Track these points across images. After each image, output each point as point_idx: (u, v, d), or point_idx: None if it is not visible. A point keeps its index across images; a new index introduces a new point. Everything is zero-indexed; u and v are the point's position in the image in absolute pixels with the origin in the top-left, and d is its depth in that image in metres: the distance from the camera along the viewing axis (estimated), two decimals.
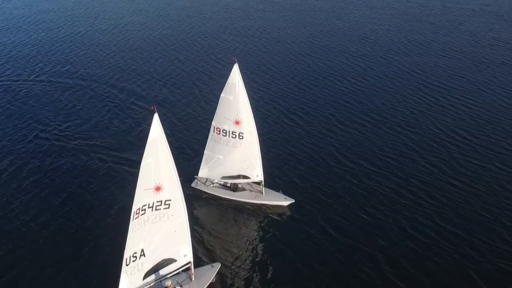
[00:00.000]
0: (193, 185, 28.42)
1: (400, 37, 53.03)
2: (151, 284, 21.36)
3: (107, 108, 37.87)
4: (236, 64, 24.74)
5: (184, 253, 21.70)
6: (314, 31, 55.17)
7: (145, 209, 20.48)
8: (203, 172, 28.34)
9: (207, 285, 22.10)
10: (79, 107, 37.92)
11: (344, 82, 41.40)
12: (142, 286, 21.00)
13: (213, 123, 27.21)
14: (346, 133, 33.53)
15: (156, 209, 20.54)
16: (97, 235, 25.64)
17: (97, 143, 32.97)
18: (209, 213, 26.95)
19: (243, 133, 26.60)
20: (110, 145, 32.61)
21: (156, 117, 19.61)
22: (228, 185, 28.52)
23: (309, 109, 36.42)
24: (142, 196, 20.17)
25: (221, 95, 26.33)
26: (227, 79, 25.21)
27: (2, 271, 23.63)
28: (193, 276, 22.13)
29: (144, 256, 20.86)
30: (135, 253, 20.62)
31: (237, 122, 26.34)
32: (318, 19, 60.22)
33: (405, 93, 39.15)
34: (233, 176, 27.90)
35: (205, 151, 28.07)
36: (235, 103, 25.85)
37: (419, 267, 21.98)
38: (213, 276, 22.53)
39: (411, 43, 51.08)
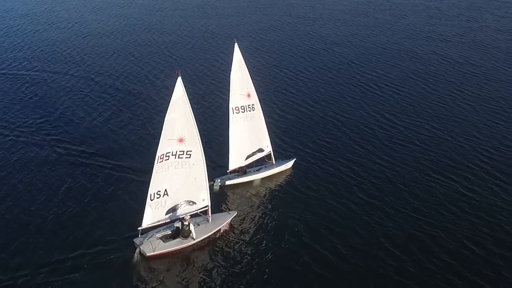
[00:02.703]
0: (215, 185, 27.67)
1: (345, 31, 55.79)
2: (172, 219, 23.76)
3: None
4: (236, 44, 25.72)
5: (202, 198, 24.16)
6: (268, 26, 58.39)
7: (168, 156, 22.97)
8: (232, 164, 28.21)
9: (221, 226, 24.23)
10: (37, 98, 39.20)
11: (287, 73, 44.07)
12: (164, 219, 23.59)
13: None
14: (284, 119, 35.91)
15: (179, 157, 23.16)
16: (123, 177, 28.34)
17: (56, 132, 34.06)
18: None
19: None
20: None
21: (179, 79, 22.32)
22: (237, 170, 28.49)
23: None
24: (165, 144, 22.70)
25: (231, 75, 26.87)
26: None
27: (30, 209, 25.61)
28: (209, 217, 24.35)
29: (167, 195, 23.44)
30: (159, 191, 23.19)
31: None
32: (272, 15, 63.17)
33: (341, 81, 41.88)
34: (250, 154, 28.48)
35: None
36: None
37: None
38: (229, 221, 24.59)
39: (354, 37, 53.92)
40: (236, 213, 25.31)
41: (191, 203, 24.21)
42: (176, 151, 23.22)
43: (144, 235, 23.03)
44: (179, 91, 22.74)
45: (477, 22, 60.03)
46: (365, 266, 22.19)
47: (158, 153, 22.88)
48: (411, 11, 64.87)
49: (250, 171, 28.79)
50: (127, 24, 59.69)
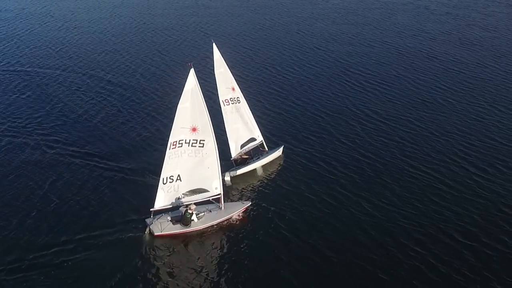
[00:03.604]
0: (226, 178, 28.35)
1: (335, 30, 56.77)
2: (183, 204, 24.48)
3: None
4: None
5: (215, 186, 24.78)
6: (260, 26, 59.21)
7: (182, 143, 23.71)
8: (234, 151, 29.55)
9: (232, 214, 24.78)
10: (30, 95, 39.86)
11: (278, 69, 44.92)
12: (176, 203, 24.46)
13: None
14: (276, 116, 36.80)
15: (192, 145, 23.85)
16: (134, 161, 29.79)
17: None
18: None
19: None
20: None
21: (192, 71, 23.19)
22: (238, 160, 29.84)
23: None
24: (178, 132, 23.46)
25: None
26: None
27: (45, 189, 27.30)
28: (222, 205, 24.99)
29: (181, 180, 24.20)
30: (172, 176, 24.02)
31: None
32: (261, 14, 64.02)
33: (327, 78, 42.75)
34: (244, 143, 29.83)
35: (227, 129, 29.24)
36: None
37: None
38: (241, 210, 25.08)
39: (344, 35, 54.77)
40: (250, 203, 25.80)
41: (204, 190, 24.97)
42: (190, 140, 24.03)
43: (155, 216, 24.23)
44: (192, 82, 23.53)
45: (464, 20, 61.20)
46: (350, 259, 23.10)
47: (171, 140, 23.73)
48: (401, 10, 65.93)
49: (251, 160, 30.05)
50: (125, 23, 60.33)
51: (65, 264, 22.16)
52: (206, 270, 22.34)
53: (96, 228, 24.31)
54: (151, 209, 24.29)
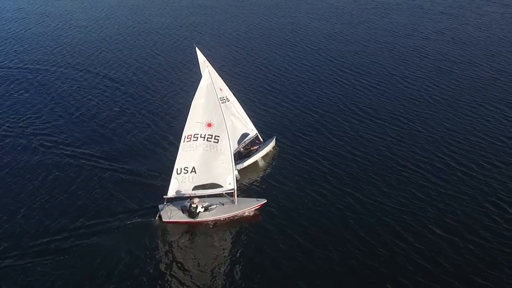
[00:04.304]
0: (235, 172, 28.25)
1: (329, 29, 57.20)
2: (194, 196, 25.04)
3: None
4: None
5: (229, 182, 25.16)
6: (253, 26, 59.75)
7: (197, 137, 24.34)
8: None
9: (245, 210, 25.14)
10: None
11: (270, 68, 45.33)
12: (189, 194, 25.15)
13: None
14: (267, 114, 37.25)
15: (207, 140, 24.44)
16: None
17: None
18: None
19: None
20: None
21: (207, 69, 24.05)
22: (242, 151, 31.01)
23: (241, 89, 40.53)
24: (193, 126, 24.12)
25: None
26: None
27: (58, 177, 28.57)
28: (235, 200, 25.38)
29: (195, 173, 24.86)
30: (186, 167, 24.71)
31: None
32: (255, 14, 64.45)
33: (320, 76, 43.18)
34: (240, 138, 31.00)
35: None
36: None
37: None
38: (256, 206, 25.35)
39: (338, 34, 55.15)
40: (265, 201, 25.80)
41: (218, 186, 25.45)
42: (205, 134, 24.62)
43: (167, 203, 25.25)
44: (207, 79, 24.12)
45: (458, 19, 61.61)
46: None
47: (185, 133, 24.37)
48: (395, 9, 66.34)
49: (252, 153, 30.86)
50: (119, 23, 60.77)
51: (77, 247, 23.36)
52: (207, 259, 23.02)
53: (109, 215, 25.47)
54: (164, 196, 25.22)
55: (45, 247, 23.39)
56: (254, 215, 25.57)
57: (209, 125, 24.49)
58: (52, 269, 22.12)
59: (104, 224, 24.87)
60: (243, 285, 21.58)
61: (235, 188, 25.54)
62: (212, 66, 28.85)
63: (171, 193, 25.35)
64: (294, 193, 27.60)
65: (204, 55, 29.29)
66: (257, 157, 30.74)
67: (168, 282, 21.79)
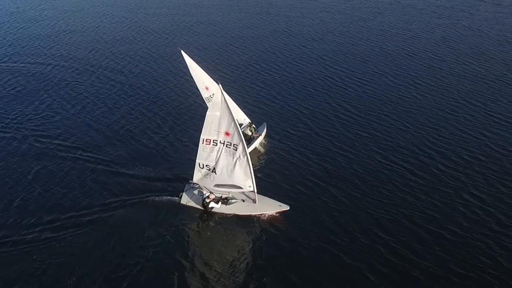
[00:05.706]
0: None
1: (322, 28, 58.17)
2: (212, 191, 25.79)
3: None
4: None
5: (249, 185, 25.52)
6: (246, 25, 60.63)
7: (216, 142, 25.06)
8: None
9: (264, 213, 25.29)
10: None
11: (262, 66, 46.20)
12: (209, 189, 25.96)
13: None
14: (258, 110, 38.03)
15: (227, 146, 25.06)
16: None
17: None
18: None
19: None
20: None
21: (220, 86, 24.60)
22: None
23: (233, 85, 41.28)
24: (211, 131, 24.87)
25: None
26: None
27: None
28: (256, 199, 25.64)
29: (215, 173, 25.62)
30: (208, 165, 25.64)
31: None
32: (248, 13, 65.27)
33: (313, 74, 43.79)
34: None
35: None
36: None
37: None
38: (276, 211, 25.32)
39: (329, 33, 55.99)
40: (289, 208, 25.53)
41: (238, 187, 25.84)
42: (224, 141, 25.10)
43: (191, 188, 26.89)
44: (220, 98, 24.54)
45: (449, 19, 62.45)
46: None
47: (203, 136, 25.23)
48: (388, 9, 67.17)
49: (253, 139, 31.98)
50: (117, 22, 61.57)
51: (99, 220, 25.35)
52: (211, 249, 23.95)
53: (131, 193, 27.42)
54: (190, 181, 26.79)
55: (64, 223, 25.45)
56: (274, 219, 25.54)
57: (227, 134, 24.99)
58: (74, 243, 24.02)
59: (125, 201, 26.77)
60: (237, 279, 22.28)
61: (255, 191, 25.76)
62: (203, 64, 29.87)
63: (195, 179, 26.48)
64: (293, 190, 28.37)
65: (193, 55, 30.49)
66: (256, 143, 31.97)
67: (164, 262, 22.76)
